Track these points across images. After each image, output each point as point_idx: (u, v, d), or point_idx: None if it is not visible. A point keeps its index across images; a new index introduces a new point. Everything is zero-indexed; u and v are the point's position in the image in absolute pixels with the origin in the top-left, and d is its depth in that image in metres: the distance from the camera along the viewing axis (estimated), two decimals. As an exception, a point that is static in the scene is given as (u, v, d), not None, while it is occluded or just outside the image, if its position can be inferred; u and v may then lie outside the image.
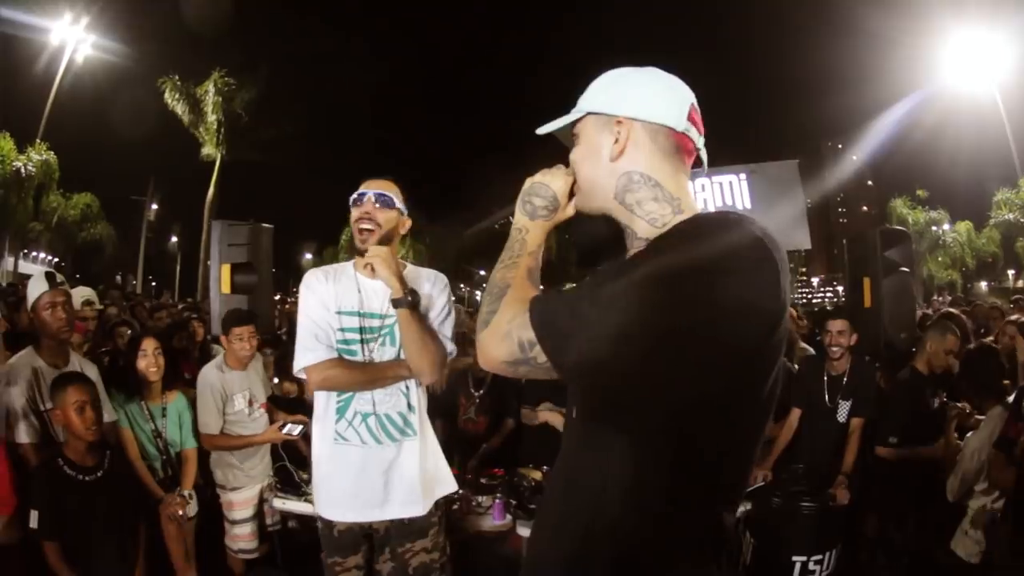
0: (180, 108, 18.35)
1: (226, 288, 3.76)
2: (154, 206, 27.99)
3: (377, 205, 1.78)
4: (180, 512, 2.68)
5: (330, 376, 1.74)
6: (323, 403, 1.83)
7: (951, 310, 4.55)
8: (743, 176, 3.88)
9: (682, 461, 0.83)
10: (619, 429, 0.84)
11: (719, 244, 0.78)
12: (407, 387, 1.83)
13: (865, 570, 3.20)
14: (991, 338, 3.98)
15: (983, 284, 26.57)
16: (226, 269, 3.74)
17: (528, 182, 1.06)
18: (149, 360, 2.80)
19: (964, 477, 2.49)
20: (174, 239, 32.70)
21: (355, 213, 1.78)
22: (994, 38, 18.67)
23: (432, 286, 1.87)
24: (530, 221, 1.04)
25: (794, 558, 2.71)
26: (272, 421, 3.05)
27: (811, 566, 2.68)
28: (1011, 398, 2.33)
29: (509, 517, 2.79)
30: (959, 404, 2.87)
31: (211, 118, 18.33)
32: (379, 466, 1.79)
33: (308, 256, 33.12)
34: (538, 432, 3.37)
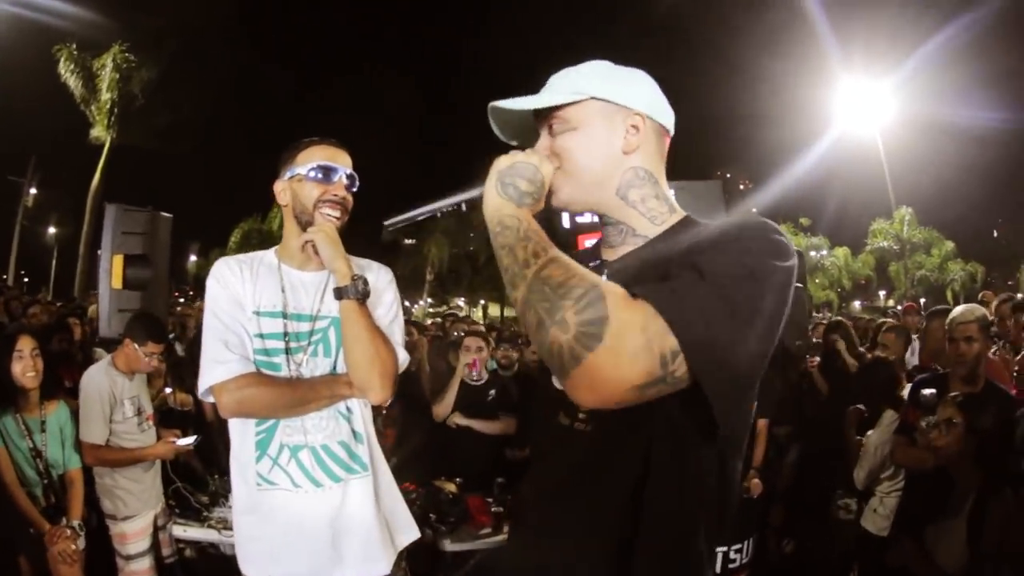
0: (73, 81, 16.27)
1: (117, 282, 3.35)
2: (33, 190, 24.60)
3: (349, 187, 1.43)
4: (72, 547, 2.25)
5: (248, 397, 1.32)
6: (238, 435, 1.40)
7: (839, 318, 5.04)
8: (671, 194, 4.10)
9: (727, 462, 0.87)
10: (700, 435, 0.80)
11: (785, 247, 0.79)
12: (348, 409, 1.43)
13: (774, 557, 3.50)
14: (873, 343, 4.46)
15: (856, 303, 29.94)
16: (118, 260, 3.34)
17: (506, 161, 0.87)
18: (26, 363, 2.34)
19: (870, 470, 2.81)
20: (51, 229, 29.00)
21: (316, 191, 1.39)
22: (877, 88, 21.39)
23: (376, 278, 1.48)
24: (517, 209, 0.83)
25: (716, 548, 2.83)
26: (159, 438, 2.73)
27: (732, 555, 2.83)
28: (907, 390, 2.67)
29: (428, 532, 2.70)
30: (858, 406, 3.22)
31: (105, 96, 16.45)
32: (322, 516, 1.37)
33: (193, 258, 30.72)
34: (450, 444, 3.34)
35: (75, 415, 2.57)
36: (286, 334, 1.40)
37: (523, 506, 1.06)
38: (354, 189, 1.44)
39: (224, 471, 2.93)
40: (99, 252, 3.31)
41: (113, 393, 2.57)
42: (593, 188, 0.92)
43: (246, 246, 22.77)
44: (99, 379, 2.57)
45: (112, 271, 3.28)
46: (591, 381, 0.69)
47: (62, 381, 2.96)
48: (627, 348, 0.68)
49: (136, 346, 2.62)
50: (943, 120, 22.92)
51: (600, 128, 0.90)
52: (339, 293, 1.35)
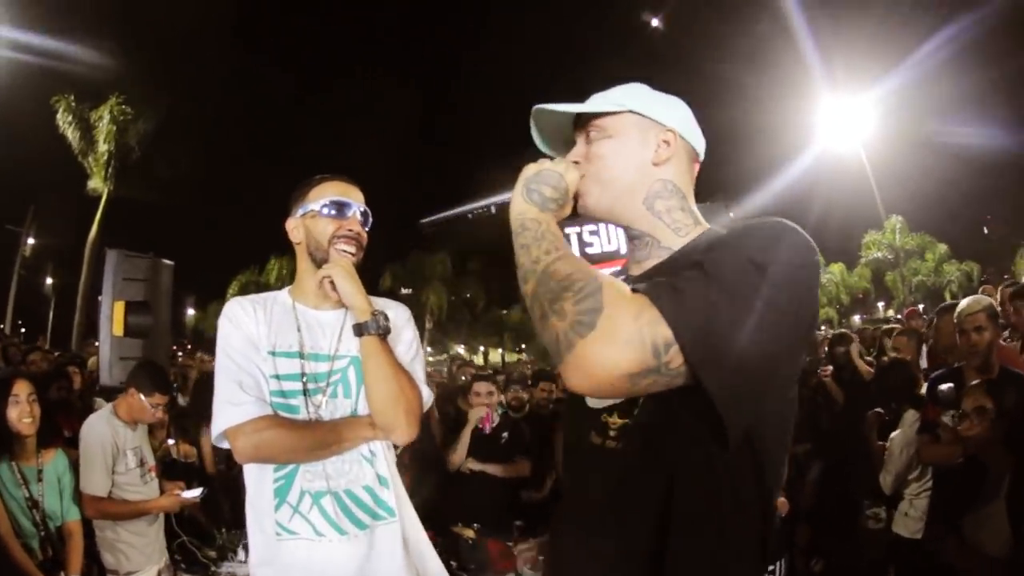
0: (71, 132, 16.34)
1: (118, 329, 3.30)
2: (31, 240, 24.55)
3: (363, 223, 1.41)
4: None
5: (266, 441, 1.25)
6: (255, 482, 1.32)
7: (843, 330, 5.05)
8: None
9: (765, 469, 0.85)
10: (716, 440, 0.77)
11: (801, 243, 0.79)
12: (371, 452, 1.36)
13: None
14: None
15: (856, 318, 29.93)
16: (119, 307, 3.29)
17: (533, 168, 0.93)
18: (23, 408, 2.25)
19: (897, 474, 2.78)
20: (49, 280, 28.90)
21: (330, 226, 1.36)
22: (857, 102, 21.85)
23: (395, 316, 1.43)
24: (540, 213, 0.88)
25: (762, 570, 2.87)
26: (163, 490, 2.66)
27: (765, 578, 2.77)
28: (924, 389, 2.70)
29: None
30: (878, 410, 3.16)
31: (102, 147, 16.58)
32: (347, 566, 1.28)
33: (191, 311, 30.73)
34: (465, 489, 3.28)
35: (74, 465, 2.48)
36: (304, 375, 1.34)
37: (559, 532, 1.02)
38: (367, 226, 1.42)
39: (232, 524, 2.85)
40: (100, 298, 3.27)
41: (115, 443, 2.50)
42: (622, 195, 0.95)
43: (243, 299, 23.02)
44: (100, 428, 2.50)
45: (113, 318, 3.23)
46: (583, 365, 0.72)
47: (60, 430, 2.89)
48: (617, 336, 0.70)
49: (141, 396, 2.56)
50: (923, 131, 23.42)
51: (634, 138, 0.95)
52: (359, 329, 1.31)
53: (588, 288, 0.74)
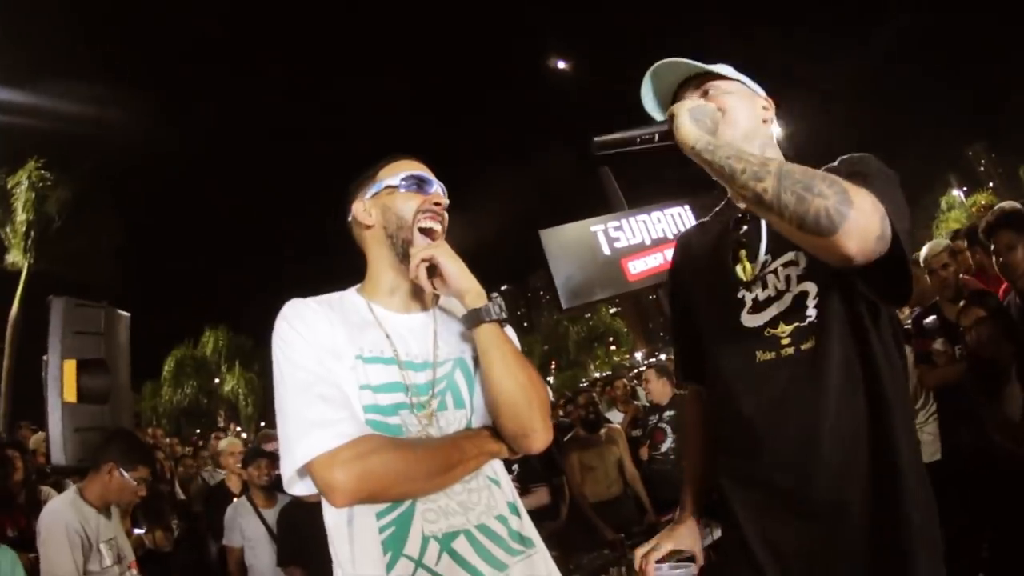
0: None
1: (70, 394, 2.69)
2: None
3: (446, 202, 1.18)
4: None
5: (375, 469, 0.92)
6: (346, 538, 0.97)
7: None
8: (687, 208, 4.23)
9: None
10: (897, 300, 1.02)
11: None
12: (495, 472, 1.09)
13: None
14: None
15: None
16: (70, 367, 2.69)
17: (690, 103, 1.11)
18: None
19: None
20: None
21: (412, 201, 1.13)
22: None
23: None
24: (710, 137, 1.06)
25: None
26: None
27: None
28: (909, 325, 3.03)
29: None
30: None
31: (20, 217, 15.23)
32: None
33: None
34: None
35: (29, 570, 1.94)
36: (406, 387, 1.05)
37: (743, 473, 1.10)
38: (447, 202, 1.20)
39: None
40: (44, 359, 2.67)
41: (86, 534, 1.98)
42: (743, 139, 1.12)
43: (181, 375, 22.06)
44: (66, 515, 1.97)
45: (64, 380, 2.63)
46: (858, 230, 0.88)
47: (3, 528, 2.31)
48: (870, 208, 0.90)
49: (122, 471, 2.08)
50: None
51: (747, 100, 1.20)
52: (477, 316, 1.06)
53: (828, 176, 0.92)
